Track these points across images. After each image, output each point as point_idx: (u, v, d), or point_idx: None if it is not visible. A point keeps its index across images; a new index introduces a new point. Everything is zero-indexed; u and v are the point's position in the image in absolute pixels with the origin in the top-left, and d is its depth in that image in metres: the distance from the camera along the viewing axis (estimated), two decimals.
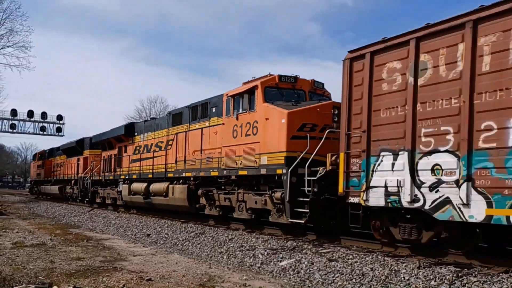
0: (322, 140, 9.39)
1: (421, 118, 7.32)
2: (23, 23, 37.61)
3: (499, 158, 6.27)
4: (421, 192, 7.26)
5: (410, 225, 7.72)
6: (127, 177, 18.84)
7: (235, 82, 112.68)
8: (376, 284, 6.29)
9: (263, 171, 10.46)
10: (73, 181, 26.95)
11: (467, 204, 6.58)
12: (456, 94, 6.84)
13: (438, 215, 6.96)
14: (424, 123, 7.28)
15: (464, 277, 5.97)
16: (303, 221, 9.42)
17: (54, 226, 15.55)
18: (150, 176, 16.50)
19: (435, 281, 6.00)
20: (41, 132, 47.85)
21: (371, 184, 8.02)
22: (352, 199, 8.40)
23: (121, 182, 19.41)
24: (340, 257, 7.67)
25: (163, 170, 15.61)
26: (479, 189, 6.48)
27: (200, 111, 13.80)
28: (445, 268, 6.40)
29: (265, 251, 8.76)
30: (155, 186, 15.77)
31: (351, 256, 7.63)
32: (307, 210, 9.22)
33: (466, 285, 5.75)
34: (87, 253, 9.15)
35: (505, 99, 6.27)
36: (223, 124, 12.25)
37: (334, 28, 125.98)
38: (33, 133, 48.14)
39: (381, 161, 7.92)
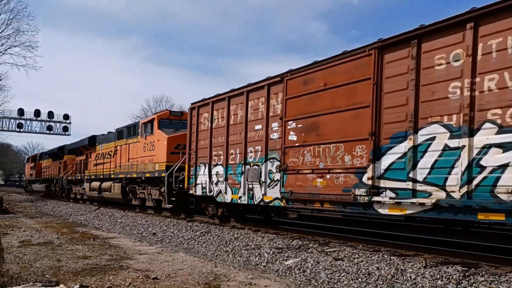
0: (185, 155, 14.64)
1: (213, 146, 12.92)
2: (30, 23, 37.90)
3: (233, 168, 11.92)
4: (213, 186, 12.89)
5: (212, 205, 13.55)
6: (89, 177, 24.67)
7: (239, 81, 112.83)
8: (382, 284, 6.26)
9: (157, 174, 16.33)
10: (55, 180, 32.72)
11: (226, 193, 12.19)
12: (224, 135, 12.30)
13: (218, 199, 12.61)
14: (214, 149, 12.85)
15: (471, 276, 5.93)
16: (172, 205, 15.23)
17: (61, 224, 15.64)
18: (101, 176, 22.56)
19: (441, 280, 5.97)
20: (48, 132, 48.14)
21: (197, 182, 13.66)
22: (191, 191, 13.96)
23: (85, 182, 25.17)
24: (346, 256, 7.65)
25: (109, 172, 21.59)
26: (229, 185, 12.05)
27: (132, 131, 19.46)
28: (452, 267, 6.36)
29: (271, 250, 8.76)
30: (104, 184, 21.68)
31: (357, 255, 7.61)
32: (174, 199, 15.03)
33: (473, 284, 5.71)
34: (94, 252, 9.19)
35: (220, 144, 12.55)
36: (139, 141, 18.32)
37: (339, 27, 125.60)
38: (40, 133, 48.45)
39: (200, 169, 13.54)
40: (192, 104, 14.10)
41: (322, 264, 7.41)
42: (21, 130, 47.13)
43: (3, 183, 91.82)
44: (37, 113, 47.06)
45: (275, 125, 10.47)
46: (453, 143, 6.63)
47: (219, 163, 12.54)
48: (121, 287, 6.16)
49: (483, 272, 6.12)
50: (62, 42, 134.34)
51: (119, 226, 15.16)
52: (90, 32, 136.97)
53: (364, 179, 7.97)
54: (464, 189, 6.44)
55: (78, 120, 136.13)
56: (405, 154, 7.29)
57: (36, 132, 48.53)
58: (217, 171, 12.59)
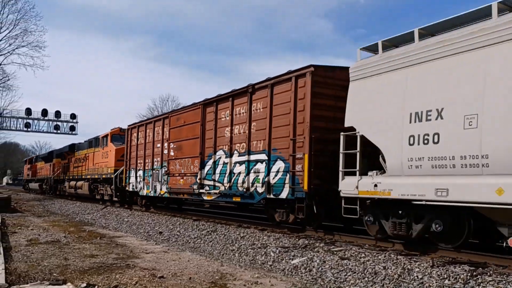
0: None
1: (138, 156, 19.02)
2: (37, 23, 38.12)
3: (147, 172, 18.42)
4: (137, 184, 19.12)
5: (139, 198, 19.75)
6: (69, 177, 31.42)
7: (244, 80, 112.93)
8: (389, 283, 6.24)
9: (109, 175, 22.33)
10: (45, 180, 39.72)
11: (143, 188, 18.51)
12: (143, 149, 18.75)
13: (140, 193, 18.95)
14: (138, 159, 19.06)
15: (478, 276, 5.89)
16: (118, 198, 21.71)
17: (68, 223, 15.75)
18: (76, 177, 29.36)
19: (449, 280, 5.93)
20: (55, 131, 48.51)
21: (130, 181, 19.91)
22: (127, 188, 20.31)
23: (66, 181, 32.19)
24: (352, 256, 7.63)
25: (81, 174, 28.23)
26: (145, 183, 18.47)
27: (96, 142, 25.73)
28: (459, 267, 6.33)
29: (277, 249, 8.76)
30: (78, 183, 28.31)
31: (363, 255, 7.58)
32: (119, 194, 21.50)
33: (481, 284, 5.67)
34: (101, 251, 9.24)
35: (140, 155, 19.03)
36: (99, 151, 24.84)
37: (346, 25, 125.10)
38: (47, 132, 48.89)
39: (131, 172, 19.67)
40: (128, 126, 20.75)
41: (328, 263, 7.40)
42: (29, 129, 47.55)
43: (11, 182, 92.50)
44: (45, 112, 47.42)
45: (165, 145, 16.52)
46: (226, 160, 12.61)
47: (140, 168, 18.90)
48: (128, 285, 6.18)
49: (491, 272, 6.08)
50: (69, 41, 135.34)
51: (125, 225, 15.23)
52: (96, 31, 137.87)
53: (197, 179, 13.97)
54: (228, 184, 12.46)
55: (85, 119, 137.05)
56: (211, 165, 13.27)
57: (43, 132, 49.01)
58: (139, 174, 18.95)
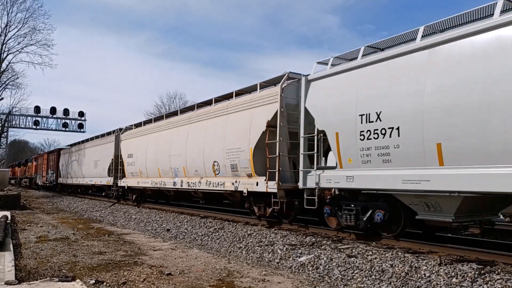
0: None
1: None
2: (45, 21, 38.31)
3: None
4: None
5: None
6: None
7: (252, 76, 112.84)
8: (396, 281, 6.23)
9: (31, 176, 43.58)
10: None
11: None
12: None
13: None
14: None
15: (486, 274, 5.86)
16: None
17: (77, 220, 15.88)
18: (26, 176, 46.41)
19: (456, 278, 5.91)
20: (64, 129, 48.87)
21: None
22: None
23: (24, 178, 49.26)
24: (359, 253, 7.62)
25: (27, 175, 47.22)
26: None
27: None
28: (467, 265, 6.29)
29: (284, 246, 8.77)
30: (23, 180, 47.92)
31: (370, 252, 7.57)
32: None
33: (489, 282, 5.64)
34: (109, 248, 9.32)
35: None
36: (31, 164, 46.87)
37: (354, 21, 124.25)
38: (56, 130, 49.30)
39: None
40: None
41: (335, 261, 7.40)
42: (38, 127, 47.99)
43: None
44: (53, 110, 47.80)
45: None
46: None
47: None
48: (136, 282, 6.23)
49: (499, 270, 6.04)
50: (77, 38, 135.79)
51: (133, 222, 15.32)
52: (104, 28, 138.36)
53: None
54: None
55: (94, 115, 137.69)
56: None
57: (52, 129, 49.39)
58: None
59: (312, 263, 7.54)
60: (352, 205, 8.87)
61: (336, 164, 9.06)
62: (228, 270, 7.23)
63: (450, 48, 7.10)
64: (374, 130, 8.14)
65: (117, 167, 21.81)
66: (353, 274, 6.74)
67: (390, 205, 8.28)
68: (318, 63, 10.10)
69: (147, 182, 17.98)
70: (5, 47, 36.14)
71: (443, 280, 5.91)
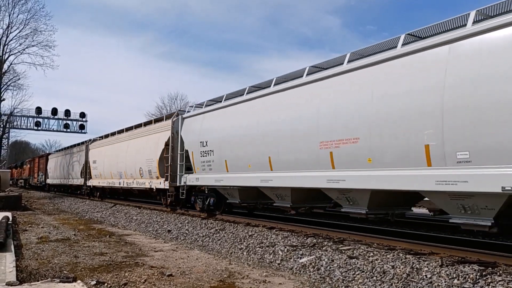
0: None
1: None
2: (47, 22, 38.44)
3: None
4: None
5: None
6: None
7: (253, 77, 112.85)
8: (398, 282, 6.22)
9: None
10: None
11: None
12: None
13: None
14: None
15: (488, 276, 5.85)
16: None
17: (78, 221, 15.89)
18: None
19: (458, 279, 5.90)
20: (65, 130, 48.93)
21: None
22: None
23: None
24: (360, 255, 7.62)
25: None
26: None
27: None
28: (469, 266, 6.28)
29: (285, 247, 8.76)
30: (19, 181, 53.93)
31: (372, 254, 7.56)
32: None
33: (491, 284, 5.63)
34: (110, 249, 9.32)
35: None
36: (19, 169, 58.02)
37: (355, 22, 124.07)
38: (57, 131, 49.42)
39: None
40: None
41: (336, 262, 7.39)
42: (39, 128, 48.09)
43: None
44: (54, 111, 47.89)
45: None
46: None
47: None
48: (137, 283, 6.23)
49: (501, 272, 6.02)
50: (78, 39, 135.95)
51: (134, 223, 15.33)
52: (105, 29, 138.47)
53: None
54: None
55: (95, 116, 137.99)
56: None
57: (53, 130, 49.48)
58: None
59: (313, 264, 7.54)
60: (200, 195, 14.61)
61: (194, 170, 14.19)
62: (229, 271, 7.22)
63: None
64: (205, 151, 13.37)
65: (87, 170, 27.23)
66: (354, 275, 6.74)
67: (217, 194, 13.82)
68: (197, 105, 15.35)
69: (104, 182, 23.76)
70: (7, 48, 36.33)
71: (445, 282, 5.91)
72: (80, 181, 28.92)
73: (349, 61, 8.61)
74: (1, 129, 38.73)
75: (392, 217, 8.93)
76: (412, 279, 6.19)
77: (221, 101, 13.34)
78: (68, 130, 49.11)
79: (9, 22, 36.03)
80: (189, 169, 14.66)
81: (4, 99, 37.04)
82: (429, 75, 6.82)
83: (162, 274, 6.78)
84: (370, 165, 7.83)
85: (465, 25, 6.69)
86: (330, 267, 7.24)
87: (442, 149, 6.60)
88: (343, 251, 7.94)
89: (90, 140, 28.45)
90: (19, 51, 36.45)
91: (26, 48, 36.37)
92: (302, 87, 9.75)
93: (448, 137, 6.51)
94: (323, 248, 8.35)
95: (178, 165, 15.16)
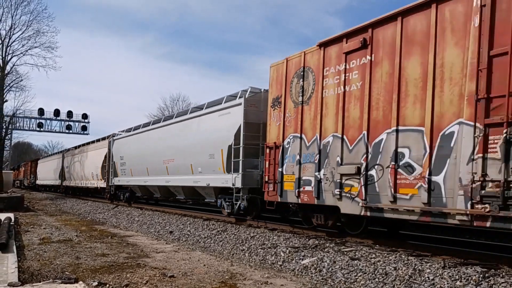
0: None
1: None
2: (50, 24, 38.50)
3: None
4: None
5: None
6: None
7: (255, 77, 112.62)
8: (400, 284, 6.20)
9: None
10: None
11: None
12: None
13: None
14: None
15: (491, 277, 5.83)
16: None
17: (80, 222, 15.90)
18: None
19: (460, 281, 5.88)
20: (67, 131, 48.93)
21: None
22: None
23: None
24: (362, 256, 7.60)
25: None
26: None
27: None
28: (471, 268, 6.26)
29: (287, 249, 8.75)
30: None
31: (374, 255, 7.54)
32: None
33: (493, 286, 5.60)
34: (112, 250, 9.32)
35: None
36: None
37: (356, 22, 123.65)
38: (59, 132, 49.29)
39: None
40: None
41: (338, 263, 7.37)
42: (41, 129, 48.03)
43: None
44: (57, 112, 47.88)
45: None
46: None
47: None
48: (139, 285, 6.23)
49: (503, 274, 6.00)
50: (79, 39, 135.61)
51: (136, 224, 15.33)
52: (106, 29, 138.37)
53: None
54: None
55: (97, 117, 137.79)
56: None
57: (55, 132, 49.41)
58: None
59: (315, 265, 7.52)
60: (122, 191, 22.44)
61: (118, 175, 21.82)
62: (231, 272, 7.21)
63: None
64: (122, 162, 21.11)
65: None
66: (356, 277, 6.72)
67: (130, 191, 21.26)
68: (122, 131, 22.41)
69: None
70: (10, 49, 36.33)
71: (447, 283, 5.88)
72: (58, 182, 34.62)
73: (185, 114, 16.37)
74: (4, 130, 38.72)
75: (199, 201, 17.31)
76: (415, 281, 6.17)
77: (131, 130, 21.04)
78: (71, 131, 49.10)
79: (12, 24, 36.03)
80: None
81: (6, 100, 36.97)
82: (196, 128, 14.75)
83: (164, 275, 6.77)
84: (176, 173, 15.91)
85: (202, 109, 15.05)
86: (332, 269, 7.22)
87: (195, 167, 14.65)
88: (345, 253, 7.93)
89: (65, 150, 33.84)
90: (21, 52, 36.45)
91: (29, 49, 36.35)
92: (165, 127, 17.30)
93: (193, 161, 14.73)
94: (325, 250, 8.33)
95: (110, 171, 23.09)
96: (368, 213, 7.99)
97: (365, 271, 6.84)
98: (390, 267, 6.80)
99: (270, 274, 7.17)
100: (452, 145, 6.59)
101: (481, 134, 6.15)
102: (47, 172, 41.50)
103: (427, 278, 6.17)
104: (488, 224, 6.09)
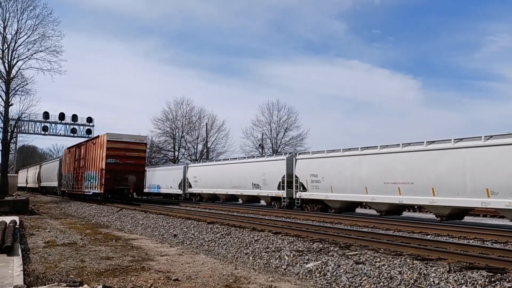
0: None
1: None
2: (55, 28, 38.66)
3: None
4: None
5: None
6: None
7: (259, 82, 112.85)
8: None
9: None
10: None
11: None
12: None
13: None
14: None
15: (497, 282, 5.79)
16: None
17: (84, 225, 15.94)
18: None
19: (466, 285, 5.84)
20: (72, 134, 49.16)
21: None
22: None
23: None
24: (367, 260, 7.57)
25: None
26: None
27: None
28: (477, 272, 6.23)
29: (291, 252, 8.73)
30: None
31: (378, 259, 7.52)
32: None
33: None
34: (116, 253, 9.33)
35: None
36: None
37: (360, 26, 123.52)
38: (64, 135, 49.57)
39: None
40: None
41: (343, 267, 7.35)
42: (46, 133, 48.29)
43: None
44: (62, 116, 48.16)
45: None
46: None
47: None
48: None
49: (510, 278, 5.97)
50: (83, 43, 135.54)
51: (140, 228, 15.35)
52: (110, 34, 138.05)
53: None
54: None
55: (102, 121, 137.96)
56: None
57: (60, 135, 49.65)
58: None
59: (319, 269, 7.50)
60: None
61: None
62: (235, 276, 7.20)
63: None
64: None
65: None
66: (361, 281, 6.69)
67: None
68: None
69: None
70: (15, 53, 36.61)
71: None
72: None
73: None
74: (9, 133, 38.93)
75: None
76: (420, 285, 6.14)
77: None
78: (75, 134, 49.33)
79: (18, 28, 36.36)
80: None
81: (12, 104, 37.19)
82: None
83: (168, 279, 6.77)
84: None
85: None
86: (336, 273, 7.20)
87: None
88: (350, 256, 7.90)
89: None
90: (27, 57, 36.73)
91: (34, 53, 36.63)
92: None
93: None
94: (330, 253, 8.31)
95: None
96: None
97: (370, 275, 6.81)
98: (395, 271, 6.77)
99: (274, 278, 7.15)
100: None
101: None
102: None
103: (432, 282, 6.14)
104: None
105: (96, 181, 26.86)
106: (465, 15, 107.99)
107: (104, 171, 25.47)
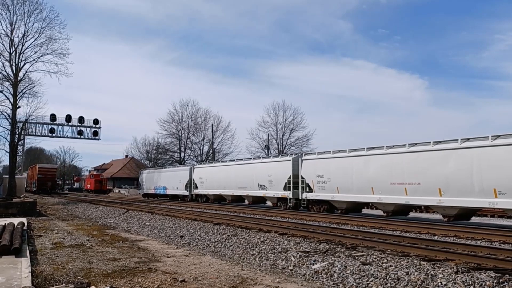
0: None
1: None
2: (61, 31, 38.94)
3: None
4: None
5: None
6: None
7: (265, 83, 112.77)
8: None
9: None
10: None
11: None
12: None
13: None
14: None
15: (505, 283, 5.75)
16: None
17: (91, 227, 16.01)
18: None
19: (474, 287, 5.81)
20: (79, 136, 49.35)
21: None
22: None
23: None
24: (374, 261, 7.54)
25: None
26: None
27: None
28: (485, 273, 6.18)
29: (298, 253, 8.72)
30: None
31: (385, 260, 7.49)
32: None
33: None
34: (123, 254, 9.37)
35: None
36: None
37: (367, 26, 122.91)
38: (71, 137, 49.71)
39: None
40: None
41: (349, 268, 7.33)
42: (53, 135, 48.51)
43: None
44: (69, 118, 48.37)
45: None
46: None
47: None
48: None
49: None
50: (89, 45, 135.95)
51: (147, 229, 15.40)
52: (116, 36, 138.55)
53: None
54: None
55: (106, 122, 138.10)
56: None
57: (67, 137, 49.85)
58: None
59: (326, 270, 7.49)
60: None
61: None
62: (241, 277, 7.21)
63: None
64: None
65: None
66: (368, 282, 6.67)
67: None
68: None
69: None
70: (22, 56, 36.89)
71: None
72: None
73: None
74: (17, 136, 39.22)
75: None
76: (427, 286, 6.11)
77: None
78: (82, 136, 49.49)
79: (25, 31, 36.66)
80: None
81: (19, 107, 37.51)
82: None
83: (175, 280, 6.79)
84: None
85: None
86: (343, 274, 7.18)
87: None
88: (356, 258, 7.88)
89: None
90: (34, 59, 37.02)
91: (41, 56, 36.92)
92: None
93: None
94: (336, 254, 8.29)
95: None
96: None
97: (376, 276, 6.79)
98: (402, 272, 6.74)
99: (281, 279, 7.15)
100: None
101: None
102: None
103: (439, 283, 6.10)
104: None
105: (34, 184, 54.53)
106: (473, 14, 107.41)
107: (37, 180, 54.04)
